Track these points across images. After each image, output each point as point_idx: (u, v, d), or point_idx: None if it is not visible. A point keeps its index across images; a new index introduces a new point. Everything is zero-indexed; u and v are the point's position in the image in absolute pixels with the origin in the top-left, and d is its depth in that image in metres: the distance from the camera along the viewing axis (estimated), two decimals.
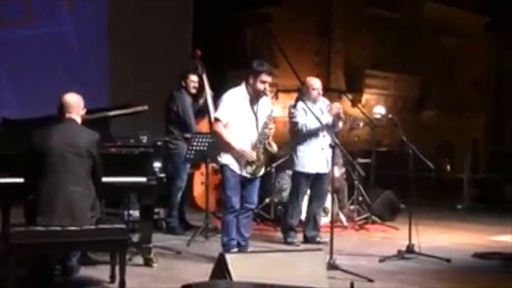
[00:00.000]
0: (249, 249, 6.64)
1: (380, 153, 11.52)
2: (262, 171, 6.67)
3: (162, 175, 6.15)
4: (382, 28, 26.94)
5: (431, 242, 7.94)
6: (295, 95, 8.33)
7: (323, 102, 7.95)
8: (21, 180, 5.38)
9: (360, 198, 9.91)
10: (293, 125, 7.81)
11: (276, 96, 9.98)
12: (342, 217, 9.45)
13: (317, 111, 7.59)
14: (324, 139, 7.61)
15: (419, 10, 27.58)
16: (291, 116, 7.83)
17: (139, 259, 6.29)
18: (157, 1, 12.73)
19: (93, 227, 5.09)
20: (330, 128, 7.68)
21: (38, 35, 10.89)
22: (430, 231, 9.04)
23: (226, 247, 6.41)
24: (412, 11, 27.21)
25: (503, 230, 9.17)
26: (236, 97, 6.51)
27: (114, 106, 6.84)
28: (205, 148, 7.75)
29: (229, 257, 4.69)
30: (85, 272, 5.84)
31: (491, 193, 14.37)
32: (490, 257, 7.28)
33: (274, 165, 9.56)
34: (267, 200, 9.62)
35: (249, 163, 6.44)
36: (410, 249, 7.04)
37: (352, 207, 9.95)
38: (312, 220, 8.04)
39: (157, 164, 6.11)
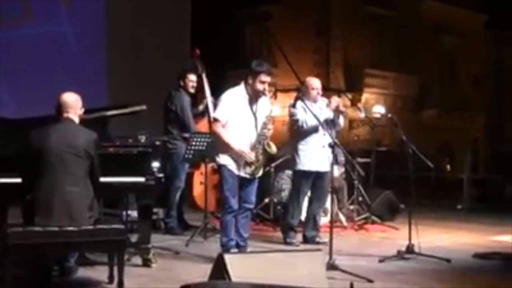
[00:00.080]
0: (248, 249, 6.64)
1: (380, 152, 11.50)
2: (260, 172, 6.65)
3: (161, 175, 6.13)
4: (381, 27, 26.94)
5: (431, 242, 7.93)
6: (294, 94, 8.32)
7: (323, 101, 7.92)
8: (18, 180, 5.35)
9: (360, 198, 9.90)
10: (294, 123, 7.79)
11: (275, 95, 9.99)
12: (342, 217, 9.43)
13: (316, 110, 7.57)
14: (325, 137, 7.59)
15: (418, 8, 27.56)
16: (291, 115, 7.81)
17: (137, 260, 6.27)
18: (155, 0, 12.70)
19: (91, 227, 5.07)
20: (330, 124, 7.67)
21: (36, 34, 10.86)
22: (430, 231, 9.02)
23: (225, 248, 6.40)
24: (410, 10, 27.19)
25: (503, 230, 9.15)
26: (235, 97, 6.48)
27: (112, 105, 6.81)
28: (204, 148, 7.73)
29: (228, 257, 4.69)
30: (83, 272, 5.82)
31: (491, 193, 14.36)
32: (490, 257, 7.26)
33: (273, 165, 9.54)
34: (266, 200, 9.60)
35: (248, 164, 6.42)
36: (410, 249, 7.02)
37: (351, 207, 9.94)
38: (312, 221, 8.02)
39: (155, 164, 6.09)
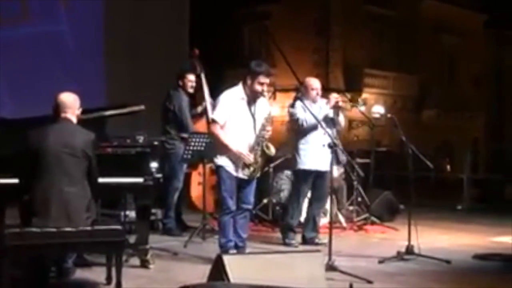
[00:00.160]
0: (247, 250, 6.63)
1: (379, 153, 11.49)
2: (259, 173, 6.62)
3: (159, 175, 6.10)
4: (380, 27, 26.96)
5: (431, 243, 7.92)
6: (293, 94, 8.29)
7: (322, 101, 7.90)
8: (16, 180, 5.33)
9: (359, 199, 9.87)
10: (294, 122, 7.78)
11: (274, 95, 9.96)
12: (341, 218, 9.41)
13: (316, 110, 7.54)
14: (325, 136, 7.54)
15: (418, 8, 27.57)
16: (291, 115, 7.79)
17: (135, 261, 6.24)
18: (153, 0, 12.67)
19: (89, 228, 5.05)
20: (330, 123, 7.64)
21: (34, 34, 10.83)
22: (430, 232, 9.01)
23: (224, 249, 6.38)
24: (410, 9, 27.20)
25: (503, 231, 9.13)
26: (233, 98, 6.45)
27: (110, 105, 6.79)
28: (203, 148, 7.69)
29: (226, 258, 4.70)
30: (81, 274, 5.80)
31: (491, 193, 14.33)
32: (490, 259, 7.23)
33: (272, 165, 9.51)
34: (265, 201, 9.57)
35: (247, 165, 6.39)
36: (409, 250, 7.00)
37: (351, 207, 9.91)
38: (311, 221, 8.00)
39: (154, 165, 6.06)
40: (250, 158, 6.37)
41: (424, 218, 9.38)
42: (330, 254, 6.12)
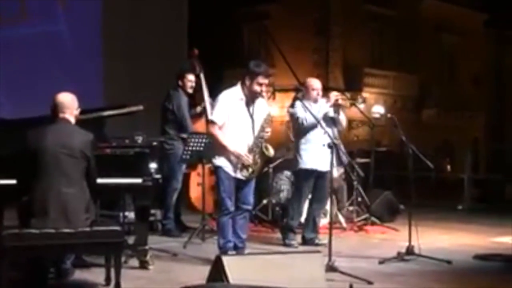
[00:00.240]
0: (246, 251, 6.60)
1: (379, 153, 11.45)
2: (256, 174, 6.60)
3: (158, 176, 6.07)
4: (380, 26, 26.95)
5: (431, 243, 7.90)
6: (292, 95, 8.27)
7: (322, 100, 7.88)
8: (14, 181, 5.31)
9: (359, 199, 9.85)
10: (294, 122, 7.75)
11: (273, 95, 9.94)
12: (341, 218, 9.38)
13: (316, 109, 7.52)
14: (325, 136, 7.52)
15: (418, 7, 27.57)
16: (291, 115, 7.77)
17: (134, 262, 6.22)
18: (152, 0, 12.65)
19: (87, 229, 5.03)
20: (330, 122, 7.61)
21: (32, 34, 10.81)
22: (430, 232, 8.99)
23: (223, 250, 6.36)
24: (410, 9, 27.19)
25: (504, 231, 9.09)
26: (231, 98, 6.42)
27: (109, 106, 6.76)
28: (202, 148, 7.67)
29: (226, 259, 4.69)
30: (79, 275, 5.77)
31: (492, 193, 14.30)
32: (491, 259, 7.20)
33: (271, 165, 9.49)
34: (265, 202, 9.54)
35: (245, 166, 6.36)
36: (410, 250, 6.97)
37: (351, 208, 9.89)
38: (311, 222, 7.97)
39: (152, 165, 6.04)
40: (249, 159, 6.34)
41: (425, 218, 9.36)
42: (330, 255, 6.09)
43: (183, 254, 7.06)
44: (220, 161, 6.40)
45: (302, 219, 8.21)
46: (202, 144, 7.65)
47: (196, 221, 8.22)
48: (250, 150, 6.38)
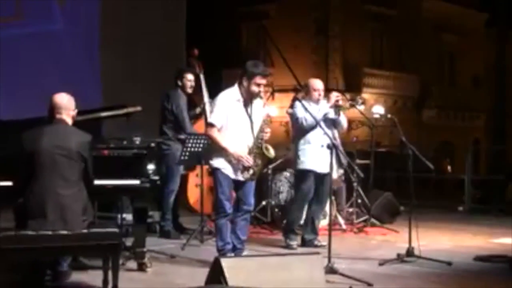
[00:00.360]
0: (245, 253, 6.56)
1: (379, 154, 11.44)
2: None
3: (156, 177, 6.04)
4: (380, 26, 26.94)
5: (432, 245, 7.91)
6: (291, 95, 8.23)
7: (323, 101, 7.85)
8: (10, 183, 5.27)
9: (359, 200, 9.82)
10: (294, 122, 7.72)
11: (272, 96, 9.89)
12: (341, 220, 9.36)
13: (316, 110, 7.49)
14: (325, 137, 7.48)
15: (418, 7, 27.54)
16: (291, 115, 7.73)
17: (132, 264, 6.19)
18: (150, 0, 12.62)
19: (85, 231, 5.00)
20: (330, 123, 7.58)
21: (29, 34, 10.76)
22: (431, 234, 8.96)
23: (221, 252, 6.33)
24: (410, 8, 27.19)
25: (505, 232, 9.09)
26: (229, 100, 6.37)
27: (106, 107, 6.72)
28: (200, 149, 7.62)
29: (224, 261, 4.69)
30: (77, 277, 5.74)
31: (493, 195, 14.25)
32: (492, 260, 7.16)
33: (270, 166, 9.46)
34: (264, 203, 9.51)
35: (246, 168, 6.32)
36: (410, 252, 6.94)
37: (350, 209, 9.86)
38: (311, 223, 7.93)
39: (150, 166, 6.01)
40: (249, 160, 6.30)
41: (425, 219, 9.30)
42: (329, 257, 6.06)
43: (181, 256, 7.01)
44: (218, 162, 6.35)
45: (301, 220, 8.17)
46: (201, 145, 7.62)
47: (195, 222, 8.19)
48: (250, 152, 6.34)
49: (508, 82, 29.67)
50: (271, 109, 6.62)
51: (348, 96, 16.96)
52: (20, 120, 6.01)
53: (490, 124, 30.25)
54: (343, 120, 7.90)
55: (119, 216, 7.33)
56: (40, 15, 11.07)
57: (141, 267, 6.12)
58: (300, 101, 7.47)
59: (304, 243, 7.89)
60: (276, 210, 9.41)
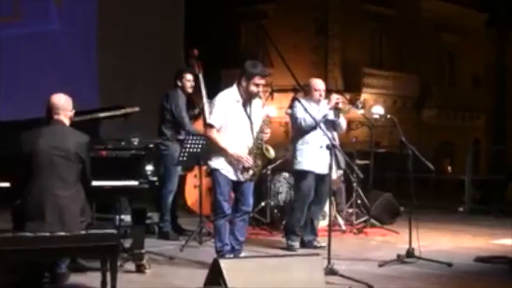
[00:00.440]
0: (244, 254, 6.55)
1: (379, 154, 11.41)
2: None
3: (154, 178, 6.01)
4: (380, 26, 26.94)
5: (432, 245, 7.89)
6: (291, 95, 8.19)
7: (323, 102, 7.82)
8: (7, 184, 5.25)
9: (359, 201, 9.78)
10: (293, 122, 7.70)
11: (271, 96, 9.87)
12: (340, 221, 9.33)
13: (316, 110, 7.46)
14: (324, 138, 7.46)
15: (418, 7, 27.54)
16: (291, 116, 7.70)
17: (131, 265, 6.16)
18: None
19: (83, 232, 4.99)
20: (329, 124, 7.56)
21: (27, 34, 10.75)
22: (431, 235, 8.94)
23: (220, 253, 6.31)
24: (410, 8, 27.19)
25: (505, 233, 9.07)
26: (228, 100, 6.35)
27: (104, 107, 6.70)
28: (199, 150, 7.60)
29: (223, 263, 4.68)
30: (75, 279, 5.72)
31: (493, 195, 14.22)
32: (493, 261, 7.14)
33: (269, 167, 9.43)
34: (263, 204, 9.48)
35: (246, 169, 6.29)
36: (410, 253, 6.92)
37: (350, 210, 9.83)
38: (310, 224, 7.90)
39: (149, 167, 5.99)
40: (249, 161, 6.27)
41: (425, 220, 9.28)
42: (329, 258, 6.05)
43: (180, 257, 6.99)
44: (216, 163, 6.33)
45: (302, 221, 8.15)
46: (200, 146, 7.59)
47: (193, 224, 8.17)
48: (250, 152, 6.31)
49: (508, 82, 29.67)
50: (270, 109, 6.57)
51: (347, 96, 16.94)
52: (18, 120, 5.99)
53: (490, 124, 30.26)
54: (343, 122, 7.87)
55: (117, 217, 7.34)
56: (37, 15, 11.05)
57: (140, 269, 6.10)
58: (299, 101, 7.44)
59: (304, 244, 7.86)
60: (275, 211, 9.38)
